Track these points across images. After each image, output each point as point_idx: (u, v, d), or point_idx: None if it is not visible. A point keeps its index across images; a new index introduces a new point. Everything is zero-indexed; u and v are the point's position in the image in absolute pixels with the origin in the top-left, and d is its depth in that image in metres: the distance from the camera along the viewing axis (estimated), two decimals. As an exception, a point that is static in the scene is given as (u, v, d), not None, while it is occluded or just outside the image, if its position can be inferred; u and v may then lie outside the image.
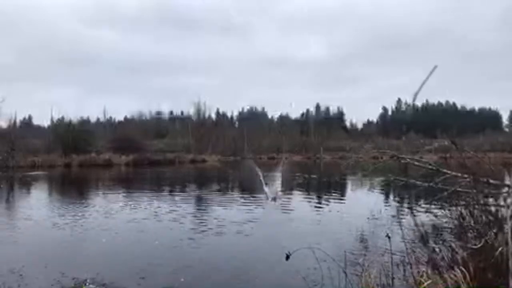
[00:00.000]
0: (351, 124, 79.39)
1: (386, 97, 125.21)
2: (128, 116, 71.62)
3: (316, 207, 11.44)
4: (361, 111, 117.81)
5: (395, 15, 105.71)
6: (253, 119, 75.91)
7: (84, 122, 55.27)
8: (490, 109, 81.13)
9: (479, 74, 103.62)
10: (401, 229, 4.81)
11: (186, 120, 66.86)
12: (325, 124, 71.08)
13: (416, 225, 3.53)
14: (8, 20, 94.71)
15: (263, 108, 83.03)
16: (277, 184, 13.90)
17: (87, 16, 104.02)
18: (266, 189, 12.71)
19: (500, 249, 3.39)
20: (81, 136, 40.89)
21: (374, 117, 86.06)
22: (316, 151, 57.77)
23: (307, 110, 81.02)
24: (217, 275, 5.10)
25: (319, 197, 13.66)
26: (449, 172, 3.87)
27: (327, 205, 11.79)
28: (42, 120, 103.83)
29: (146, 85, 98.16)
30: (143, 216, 9.70)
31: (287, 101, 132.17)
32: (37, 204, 12.45)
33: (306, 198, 13.26)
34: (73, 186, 20.79)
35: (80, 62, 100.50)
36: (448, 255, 4.32)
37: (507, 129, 76.55)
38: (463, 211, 4.48)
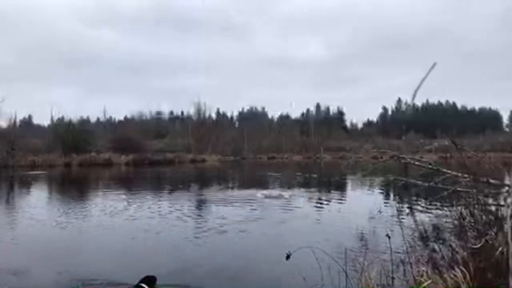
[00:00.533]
0: (351, 124, 79.46)
1: (386, 97, 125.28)
2: (128, 116, 71.67)
3: (316, 206, 11.43)
4: (361, 111, 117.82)
5: (395, 15, 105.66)
6: (253, 119, 75.88)
7: (84, 122, 55.32)
8: (490, 109, 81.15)
9: (479, 74, 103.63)
10: (401, 229, 4.81)
11: (186, 120, 66.85)
12: (325, 124, 71.02)
13: (416, 225, 3.52)
14: (8, 20, 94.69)
15: (263, 108, 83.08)
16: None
17: (87, 16, 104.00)
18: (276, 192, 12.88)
19: (500, 249, 3.39)
20: (81, 136, 40.91)
21: (374, 117, 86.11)
22: (316, 151, 57.75)
23: (307, 110, 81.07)
24: (218, 275, 5.09)
25: (319, 197, 13.65)
26: (449, 172, 3.87)
27: (327, 204, 11.78)
28: (42, 120, 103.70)
29: (146, 85, 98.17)
30: (145, 215, 9.72)
31: (287, 101, 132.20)
32: (37, 203, 12.45)
33: (306, 198, 13.26)
34: (73, 185, 20.80)
35: (80, 62, 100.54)
36: (448, 255, 4.32)
37: (507, 129, 76.52)
38: (463, 211, 4.48)
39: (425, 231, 5.32)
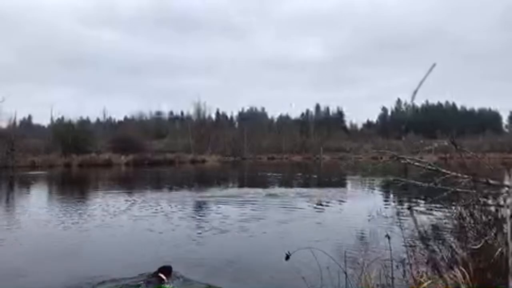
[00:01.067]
0: (351, 125, 79.49)
1: (386, 97, 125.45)
2: (128, 116, 71.76)
3: (316, 207, 11.43)
4: (361, 111, 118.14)
5: (394, 15, 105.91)
6: (253, 119, 75.90)
7: (84, 122, 55.41)
8: (490, 109, 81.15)
9: (479, 75, 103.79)
10: (401, 229, 4.81)
11: (186, 120, 66.90)
12: (325, 125, 71.04)
13: (416, 225, 3.53)
14: (8, 20, 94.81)
15: (263, 108, 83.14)
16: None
17: (87, 16, 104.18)
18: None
19: (500, 249, 3.39)
20: (81, 136, 40.93)
21: (374, 117, 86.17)
22: (316, 151, 57.76)
23: (307, 110, 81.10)
24: (218, 275, 5.10)
25: (318, 198, 13.63)
26: (449, 172, 3.87)
27: (327, 205, 11.78)
28: (42, 120, 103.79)
29: (146, 85, 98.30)
30: (147, 215, 9.76)
31: (287, 101, 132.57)
32: (37, 203, 12.47)
33: (306, 197, 13.25)
34: (73, 186, 20.79)
35: (80, 62, 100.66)
36: (448, 255, 4.32)
37: (506, 130, 76.52)
38: (463, 211, 4.48)
39: (425, 231, 5.33)
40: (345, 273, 3.82)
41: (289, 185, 19.57)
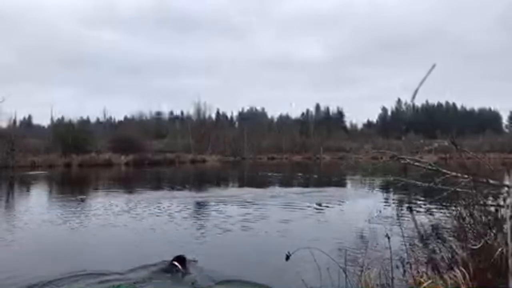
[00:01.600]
0: (351, 124, 79.47)
1: (386, 97, 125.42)
2: (128, 116, 71.71)
3: (315, 207, 11.43)
4: (361, 111, 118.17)
5: (394, 15, 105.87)
6: (253, 119, 75.90)
7: (84, 122, 55.43)
8: (490, 109, 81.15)
9: (479, 75, 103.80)
10: (401, 229, 4.81)
11: (186, 120, 66.85)
12: (325, 124, 71.06)
13: (416, 225, 3.53)
14: (9, 20, 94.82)
15: (263, 108, 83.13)
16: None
17: (87, 16, 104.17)
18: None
19: (500, 249, 3.40)
20: (81, 136, 40.89)
21: (374, 117, 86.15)
22: (316, 151, 57.74)
23: (307, 110, 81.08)
24: (218, 275, 5.10)
25: (319, 197, 13.63)
26: (449, 172, 3.88)
27: (327, 205, 11.78)
28: (42, 120, 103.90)
29: (146, 85, 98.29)
30: (149, 215, 9.79)
31: (287, 101, 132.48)
32: (38, 203, 12.47)
33: (306, 198, 13.25)
34: (73, 185, 20.79)
35: (80, 62, 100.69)
36: (448, 256, 4.32)
37: (506, 130, 76.50)
38: (463, 211, 4.48)
39: (425, 231, 5.32)
40: (345, 273, 3.82)
41: (289, 185, 19.57)
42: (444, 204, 5.68)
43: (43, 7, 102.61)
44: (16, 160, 32.63)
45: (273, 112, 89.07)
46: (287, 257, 3.86)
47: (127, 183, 21.78)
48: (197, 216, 10.07)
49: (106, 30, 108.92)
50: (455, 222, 4.78)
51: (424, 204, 9.14)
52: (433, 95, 72.43)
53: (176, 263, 4.99)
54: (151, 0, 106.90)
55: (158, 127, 65.92)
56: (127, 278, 4.80)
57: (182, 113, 74.76)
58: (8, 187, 19.30)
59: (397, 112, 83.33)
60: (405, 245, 4.75)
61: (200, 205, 12.06)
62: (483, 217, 4.20)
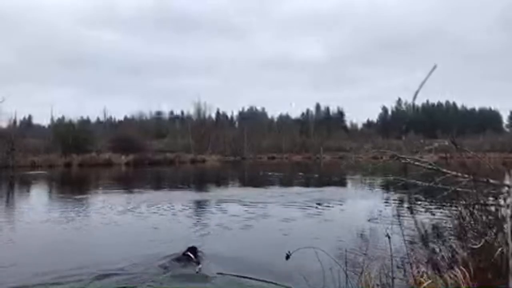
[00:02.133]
0: (351, 124, 79.48)
1: (386, 97, 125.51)
2: (128, 116, 71.70)
3: (316, 207, 11.43)
4: (361, 111, 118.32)
5: (394, 15, 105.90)
6: (253, 119, 75.91)
7: (84, 122, 55.46)
8: (490, 109, 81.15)
9: (479, 75, 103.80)
10: (401, 229, 4.81)
11: (186, 120, 66.85)
12: (325, 124, 71.07)
13: (416, 225, 3.53)
14: (9, 20, 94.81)
15: (263, 108, 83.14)
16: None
17: (87, 16, 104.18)
18: None
19: (500, 249, 3.39)
20: (81, 136, 40.90)
21: (374, 117, 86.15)
22: (316, 151, 57.75)
23: (307, 110, 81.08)
24: (223, 266, 5.15)
25: (319, 197, 13.63)
26: (449, 172, 3.87)
27: (327, 204, 11.78)
28: (42, 120, 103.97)
29: (146, 85, 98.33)
30: (151, 214, 9.82)
31: (287, 101, 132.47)
32: (37, 203, 12.46)
33: (306, 197, 13.24)
34: (74, 185, 20.79)
35: (80, 62, 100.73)
36: (448, 255, 4.32)
37: (507, 130, 76.50)
38: (463, 211, 4.48)
39: (425, 231, 5.31)
40: (345, 272, 3.82)
41: (289, 185, 19.57)
42: (444, 203, 5.68)
43: (43, 7, 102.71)
44: (16, 160, 32.64)
45: (273, 112, 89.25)
46: (287, 257, 3.86)
47: (128, 183, 21.79)
48: (198, 215, 10.09)
49: (106, 30, 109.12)
50: (455, 221, 4.78)
51: (424, 204, 9.14)
52: (433, 95, 72.52)
53: (189, 253, 5.49)
54: (151, 0, 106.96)
55: (158, 127, 65.90)
56: (146, 266, 5.20)
57: (182, 113, 74.88)
58: (8, 187, 19.31)
59: (397, 112, 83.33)
60: (405, 245, 4.75)
61: (201, 204, 12.06)
62: (483, 217, 4.20)
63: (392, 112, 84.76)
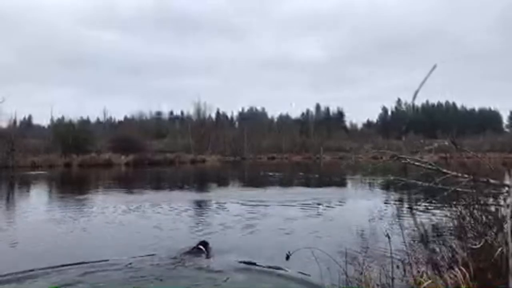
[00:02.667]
0: (351, 124, 79.45)
1: (386, 97, 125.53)
2: (128, 116, 71.69)
3: (316, 207, 11.42)
4: (361, 111, 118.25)
5: (395, 15, 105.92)
6: (253, 119, 75.89)
7: (84, 122, 55.43)
8: (490, 109, 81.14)
9: (479, 75, 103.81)
10: (401, 229, 4.81)
11: (186, 120, 66.85)
12: (325, 124, 71.06)
13: (416, 225, 3.53)
14: (9, 20, 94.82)
15: (263, 108, 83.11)
16: None
17: (87, 16, 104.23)
18: None
19: (500, 249, 3.39)
20: (81, 136, 40.90)
21: (374, 117, 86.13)
22: (316, 151, 57.76)
23: (307, 110, 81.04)
24: (230, 260, 5.20)
25: (319, 197, 13.63)
26: (449, 172, 3.87)
27: (327, 205, 11.77)
28: (42, 120, 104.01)
29: (146, 85, 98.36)
30: (153, 214, 9.83)
31: (287, 101, 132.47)
32: (37, 203, 12.46)
33: (307, 197, 13.24)
34: (74, 185, 20.78)
35: (80, 62, 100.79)
36: (448, 255, 4.32)
37: (507, 130, 76.50)
38: (463, 211, 4.47)
39: (425, 231, 5.32)
40: (345, 272, 3.82)
41: (289, 185, 19.57)
42: (444, 203, 5.67)
43: (43, 7, 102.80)
44: (16, 160, 32.64)
45: (273, 112, 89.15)
46: (287, 257, 3.86)
47: (128, 183, 21.79)
48: (201, 215, 10.12)
49: (106, 30, 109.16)
50: (455, 221, 4.77)
51: (424, 204, 9.13)
52: (433, 95, 72.54)
53: (201, 246, 5.93)
54: (151, 0, 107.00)
55: (158, 127, 65.90)
56: (160, 259, 5.57)
57: (182, 113, 74.87)
58: (8, 187, 19.30)
59: (397, 112, 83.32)
60: (405, 245, 4.75)
61: (202, 204, 12.07)
62: (483, 217, 4.19)
63: (392, 112, 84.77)
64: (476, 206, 4.17)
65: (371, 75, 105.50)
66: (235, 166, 41.10)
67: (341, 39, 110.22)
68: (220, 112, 77.97)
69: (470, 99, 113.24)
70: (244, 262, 5.42)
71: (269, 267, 5.19)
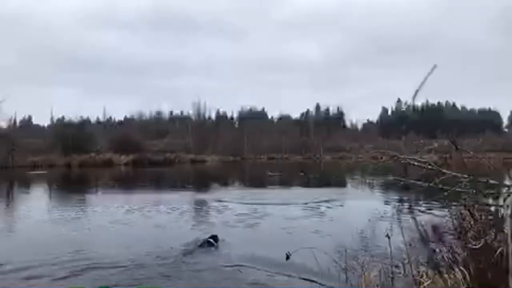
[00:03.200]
0: (351, 124, 79.42)
1: (386, 97, 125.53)
2: (128, 116, 71.71)
3: (315, 207, 11.42)
4: (361, 111, 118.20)
5: (394, 16, 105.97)
6: (253, 119, 75.83)
7: (84, 122, 55.40)
8: (490, 109, 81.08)
9: (479, 75, 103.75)
10: (401, 229, 4.80)
11: (186, 120, 66.83)
12: (325, 124, 71.04)
13: (416, 225, 3.53)
14: (9, 21, 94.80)
15: (263, 108, 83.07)
16: None
17: (87, 17, 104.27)
18: None
19: (500, 249, 3.39)
20: (81, 136, 40.92)
21: (374, 117, 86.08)
22: (316, 151, 57.77)
23: (307, 111, 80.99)
24: (216, 275, 5.11)
25: (319, 197, 13.63)
26: (449, 172, 3.87)
27: (327, 205, 11.77)
28: (42, 120, 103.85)
29: (146, 85, 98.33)
30: (154, 213, 9.87)
31: (287, 101, 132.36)
32: (38, 203, 12.45)
33: (307, 197, 13.24)
34: (74, 185, 20.78)
35: (80, 63, 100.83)
36: (448, 255, 4.32)
37: (507, 130, 76.48)
38: (463, 211, 4.47)
39: (425, 231, 5.31)
40: (345, 272, 3.82)
41: (289, 185, 19.57)
42: (444, 204, 5.67)
43: (43, 7, 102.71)
44: (16, 160, 32.65)
45: (273, 112, 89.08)
46: (287, 257, 3.87)
47: (128, 183, 21.79)
48: (200, 214, 10.13)
49: (106, 31, 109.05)
50: (455, 221, 4.77)
51: (424, 204, 9.13)
52: (433, 95, 72.44)
53: (211, 240, 6.36)
54: (150, 1, 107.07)
55: (158, 127, 65.90)
56: (171, 252, 5.88)
57: (182, 113, 74.80)
58: (8, 187, 19.30)
59: (397, 112, 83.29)
60: (405, 245, 4.75)
61: (202, 204, 12.07)
62: (483, 217, 4.19)
63: (392, 112, 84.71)
64: (476, 206, 4.17)
65: (371, 75, 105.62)
66: (235, 166, 41.10)
67: (340, 40, 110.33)
68: (220, 112, 78.02)
69: (470, 100, 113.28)
70: (244, 265, 5.39)
71: (269, 267, 5.15)
